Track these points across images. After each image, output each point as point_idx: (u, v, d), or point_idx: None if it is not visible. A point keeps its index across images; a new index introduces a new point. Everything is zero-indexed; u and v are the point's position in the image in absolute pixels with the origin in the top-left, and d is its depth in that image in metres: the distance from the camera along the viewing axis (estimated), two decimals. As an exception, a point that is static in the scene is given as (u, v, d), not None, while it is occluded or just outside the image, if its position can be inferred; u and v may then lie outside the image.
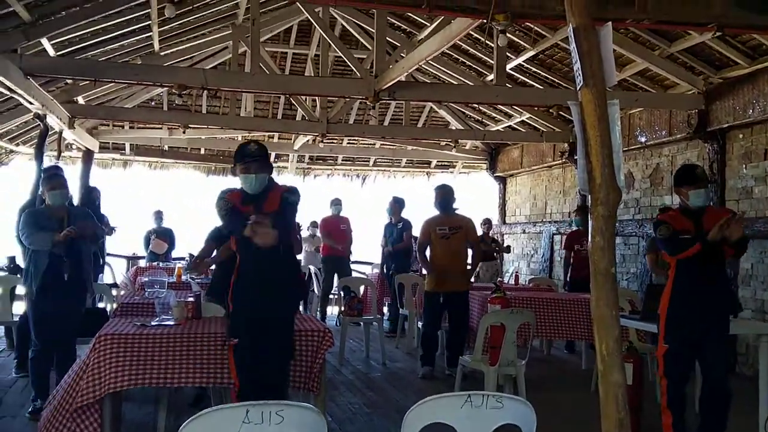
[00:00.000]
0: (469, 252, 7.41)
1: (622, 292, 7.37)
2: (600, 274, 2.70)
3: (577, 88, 2.79)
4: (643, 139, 8.97)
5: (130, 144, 12.82)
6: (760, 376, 5.15)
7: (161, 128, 11.55)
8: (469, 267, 7.42)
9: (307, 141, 12.11)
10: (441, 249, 7.01)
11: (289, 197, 4.11)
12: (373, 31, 7.62)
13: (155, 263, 10.30)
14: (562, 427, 5.21)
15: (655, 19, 5.17)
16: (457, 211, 7.28)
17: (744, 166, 7.42)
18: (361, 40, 9.70)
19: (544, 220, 12.02)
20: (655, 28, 7.12)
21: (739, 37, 6.81)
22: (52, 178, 5.37)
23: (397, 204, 9.85)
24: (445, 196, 7.19)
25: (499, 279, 10.06)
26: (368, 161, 14.49)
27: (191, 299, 4.97)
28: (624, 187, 2.86)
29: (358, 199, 15.52)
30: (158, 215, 11.23)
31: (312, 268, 11.23)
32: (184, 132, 10.76)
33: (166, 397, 4.72)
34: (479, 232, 10.91)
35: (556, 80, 9.20)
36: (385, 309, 10.36)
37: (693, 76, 7.73)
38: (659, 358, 4.63)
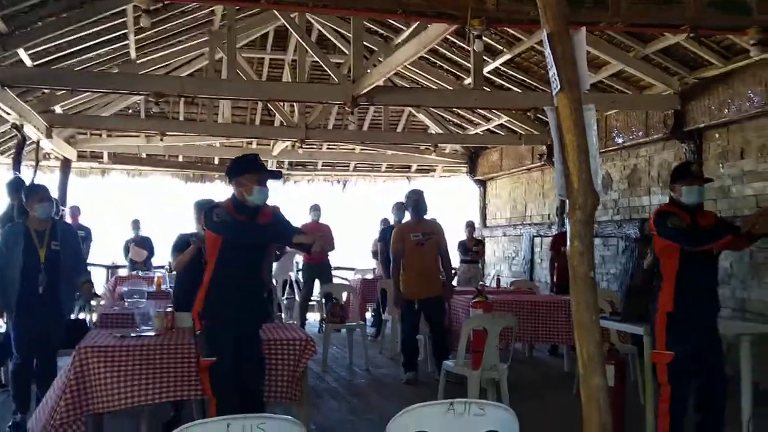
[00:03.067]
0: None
1: (602, 293, 7.42)
2: (579, 278, 2.70)
3: (553, 93, 2.79)
4: (620, 141, 9.03)
5: (108, 152, 12.75)
6: (741, 376, 5.20)
7: (139, 136, 11.48)
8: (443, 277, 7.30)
9: (286, 147, 12.06)
10: (415, 256, 6.96)
11: (280, 213, 4.18)
12: (350, 35, 7.62)
13: (135, 272, 10.24)
14: (545, 430, 5.22)
15: (629, 22, 5.21)
16: (426, 217, 7.25)
17: (721, 165, 7.49)
18: (338, 44, 9.68)
19: (524, 222, 12.07)
20: (629, 31, 7.18)
21: (713, 37, 6.87)
22: (40, 189, 5.31)
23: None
24: (417, 201, 7.14)
25: (480, 283, 10.07)
26: (348, 166, 14.48)
27: (171, 309, 4.94)
28: (602, 191, 2.87)
29: (340, 204, 15.51)
30: (135, 224, 11.17)
31: (292, 275, 11.18)
32: (161, 139, 10.68)
33: (147, 410, 4.66)
34: (463, 236, 10.99)
35: (533, 83, 9.24)
36: (369, 315, 10.35)
37: (668, 76, 7.79)
38: (659, 365, 4.44)
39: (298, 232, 4.06)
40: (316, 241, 3.99)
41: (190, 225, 5.93)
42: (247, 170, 4.07)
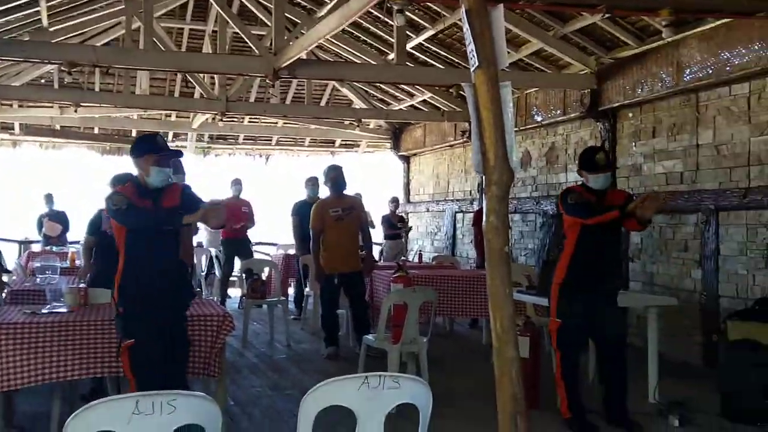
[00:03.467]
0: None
1: (520, 267, 7.64)
2: (494, 253, 2.74)
3: (471, 70, 2.80)
4: (539, 119, 9.21)
5: (20, 123, 12.19)
6: (649, 346, 5.43)
7: (52, 107, 11.04)
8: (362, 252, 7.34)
9: (207, 120, 11.81)
10: (335, 231, 6.96)
11: (190, 192, 4.03)
12: (272, 7, 7.46)
13: (48, 247, 9.91)
14: (461, 400, 5.34)
15: (547, 1, 5.28)
16: (346, 192, 7.25)
17: (633, 144, 7.74)
18: (260, 16, 9.49)
19: (447, 198, 12.22)
20: (548, 10, 7.30)
21: (628, 18, 7.05)
22: None
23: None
24: (337, 177, 7.12)
25: (402, 258, 10.16)
26: (271, 140, 14.29)
27: (83, 285, 4.80)
28: (517, 168, 2.92)
29: (262, 179, 15.34)
30: (48, 198, 10.79)
31: (213, 251, 11.00)
32: (76, 111, 10.30)
33: (60, 387, 4.52)
34: (386, 210, 11.04)
35: (456, 60, 9.30)
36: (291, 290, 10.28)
37: (585, 56, 7.96)
38: (552, 332, 4.81)
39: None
40: (209, 212, 3.83)
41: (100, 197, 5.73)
42: (145, 151, 3.93)
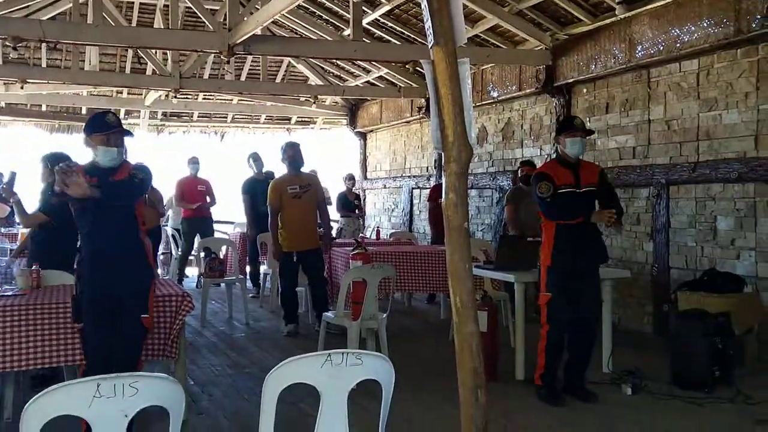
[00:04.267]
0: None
1: (476, 242, 7.71)
2: (454, 229, 2.77)
3: (429, 46, 2.80)
4: (495, 94, 9.27)
5: (-38, 101, 11.80)
6: (602, 317, 5.55)
7: (-4, 84, 10.69)
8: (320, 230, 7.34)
9: (160, 96, 11.59)
10: (293, 208, 6.93)
11: (138, 174, 3.91)
12: (225, -19, 7.33)
13: (2, 230, 9.64)
14: (422, 376, 5.40)
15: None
16: (302, 169, 7.22)
17: (588, 119, 7.84)
18: (214, -10, 9.33)
19: (404, 174, 12.25)
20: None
21: (582, -5, 7.13)
22: None
23: (260, 159, 9.66)
24: (295, 154, 7.07)
25: (360, 235, 10.17)
26: (226, 117, 14.10)
27: (36, 267, 4.68)
28: (476, 145, 2.94)
29: (218, 157, 15.16)
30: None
31: (169, 230, 10.87)
32: (22, 87, 9.97)
33: (13, 372, 4.44)
34: (343, 187, 11.02)
35: (412, 36, 9.29)
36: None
37: (541, 32, 8.02)
38: (542, 306, 4.87)
39: (134, 196, 3.91)
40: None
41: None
42: (94, 130, 3.85)
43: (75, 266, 3.88)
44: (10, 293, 4.32)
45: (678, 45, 6.45)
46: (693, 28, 6.28)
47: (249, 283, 9.55)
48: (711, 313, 5.22)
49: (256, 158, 9.54)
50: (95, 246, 3.83)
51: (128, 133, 4.03)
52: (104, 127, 3.84)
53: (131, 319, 3.87)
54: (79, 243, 3.92)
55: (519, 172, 7.77)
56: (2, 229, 9.37)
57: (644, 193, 7.10)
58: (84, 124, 4.06)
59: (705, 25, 6.16)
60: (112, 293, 3.80)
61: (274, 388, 2.30)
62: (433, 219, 9.09)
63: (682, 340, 5.21)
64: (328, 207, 8.60)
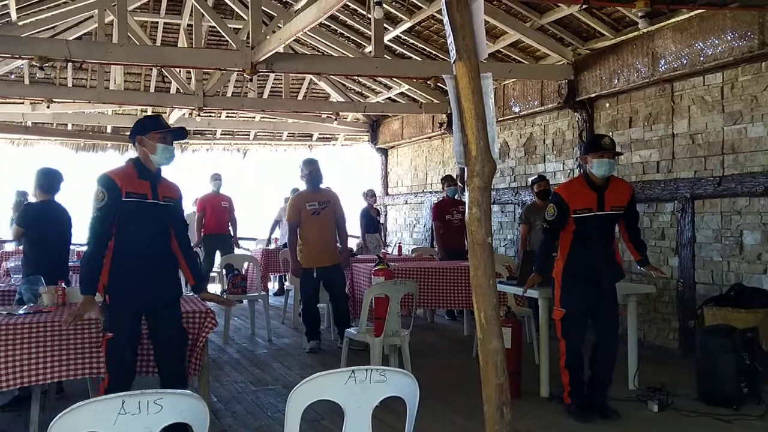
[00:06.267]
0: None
1: (499, 258, 7.65)
2: (477, 244, 2.76)
3: (452, 62, 2.81)
4: (517, 109, 9.25)
5: (-10, 120, 12.00)
6: (628, 333, 5.49)
7: (23, 103, 10.87)
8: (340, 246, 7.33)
9: (183, 115, 11.71)
10: (312, 225, 6.95)
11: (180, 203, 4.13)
12: (248, 0, 7.41)
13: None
14: (445, 393, 5.35)
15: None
16: (322, 186, 7.24)
17: (611, 133, 7.78)
18: (236, 9, 9.43)
19: (425, 190, 12.24)
20: (526, 1, 7.33)
21: (604, 9, 7.10)
22: None
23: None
24: (313, 171, 7.09)
25: (383, 251, 10.17)
26: (248, 134, 14.22)
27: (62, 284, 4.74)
28: (499, 159, 2.93)
29: (240, 174, 15.26)
30: (22, 196, 10.60)
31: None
32: (48, 107, 10.15)
33: (39, 389, 4.47)
34: (364, 203, 11.03)
35: (434, 52, 9.31)
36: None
37: (562, 47, 8.01)
38: (557, 322, 4.82)
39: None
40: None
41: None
42: (151, 128, 3.93)
43: (109, 275, 3.85)
44: (37, 311, 4.37)
45: (702, 58, 6.40)
46: (717, 41, 6.23)
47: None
48: (738, 329, 5.13)
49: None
50: (131, 257, 3.86)
51: (184, 132, 4.10)
52: (162, 126, 3.94)
53: (171, 326, 3.96)
54: (111, 248, 3.90)
55: (535, 187, 7.77)
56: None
57: (669, 208, 7.02)
58: (131, 130, 4.07)
59: (729, 38, 6.11)
60: (146, 302, 3.87)
61: (298, 405, 2.29)
62: (443, 240, 8.88)
63: (708, 357, 5.12)
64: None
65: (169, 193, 4.01)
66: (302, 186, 7.31)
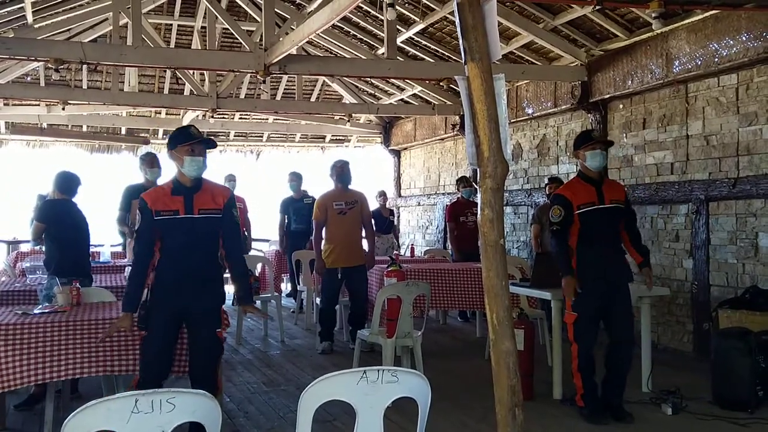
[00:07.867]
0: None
1: (512, 260, 7.65)
2: (490, 245, 2.75)
3: (464, 63, 2.81)
4: (530, 111, 9.23)
5: (6, 122, 12.09)
6: (642, 336, 5.46)
7: (39, 105, 10.96)
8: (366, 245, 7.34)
9: (197, 116, 11.76)
10: (339, 224, 6.95)
11: (235, 211, 4.10)
12: (261, 2, 7.44)
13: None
14: (458, 394, 5.35)
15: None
16: (350, 186, 7.24)
17: (624, 135, 7.76)
18: (250, 11, 9.46)
19: (438, 192, 12.23)
20: (539, 2, 7.32)
21: (618, 10, 7.07)
22: None
23: (299, 179, 9.78)
24: (344, 171, 7.10)
25: (395, 252, 10.16)
26: (262, 136, 14.25)
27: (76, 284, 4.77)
28: (511, 160, 2.93)
29: (253, 175, 15.29)
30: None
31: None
32: (63, 108, 10.21)
33: (53, 388, 4.51)
34: (375, 204, 11.02)
35: (446, 53, 9.31)
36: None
37: (576, 48, 7.98)
38: (569, 325, 4.81)
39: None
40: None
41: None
42: (178, 142, 3.96)
43: (153, 278, 3.96)
44: (51, 310, 4.40)
45: (716, 59, 6.36)
46: (731, 42, 6.19)
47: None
48: (753, 332, 5.09)
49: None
50: (170, 266, 3.93)
51: (212, 143, 4.12)
52: (189, 138, 3.96)
53: (206, 335, 3.98)
54: (158, 254, 3.98)
55: (547, 189, 7.81)
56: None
57: (683, 210, 6.98)
58: (166, 141, 4.19)
59: (744, 39, 6.07)
60: (183, 308, 3.92)
61: (310, 406, 2.30)
62: (456, 241, 8.87)
63: (723, 360, 5.08)
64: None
65: (208, 205, 3.97)
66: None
